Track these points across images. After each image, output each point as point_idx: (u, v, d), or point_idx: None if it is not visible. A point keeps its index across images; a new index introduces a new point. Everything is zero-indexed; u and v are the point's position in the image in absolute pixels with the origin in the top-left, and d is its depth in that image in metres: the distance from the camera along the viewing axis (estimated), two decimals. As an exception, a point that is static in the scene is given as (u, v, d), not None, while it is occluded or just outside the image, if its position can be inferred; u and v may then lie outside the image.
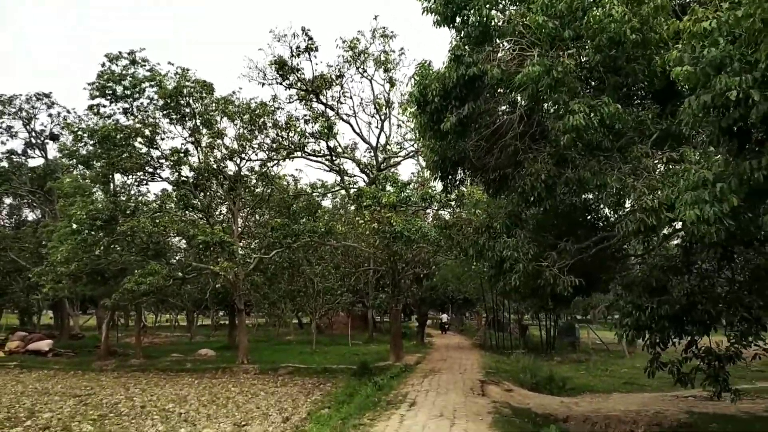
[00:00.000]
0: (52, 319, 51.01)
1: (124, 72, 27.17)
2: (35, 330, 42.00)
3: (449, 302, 55.08)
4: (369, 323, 45.68)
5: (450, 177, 10.62)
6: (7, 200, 46.23)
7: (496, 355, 28.49)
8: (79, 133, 26.50)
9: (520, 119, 8.98)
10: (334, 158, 21.78)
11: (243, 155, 22.38)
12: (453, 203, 19.22)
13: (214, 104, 25.51)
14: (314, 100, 20.63)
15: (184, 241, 25.38)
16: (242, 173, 27.99)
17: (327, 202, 38.79)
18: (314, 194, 26.66)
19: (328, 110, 20.68)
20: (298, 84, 19.92)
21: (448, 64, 8.78)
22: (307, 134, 20.01)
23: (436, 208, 20.69)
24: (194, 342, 40.92)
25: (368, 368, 21.16)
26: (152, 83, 26.62)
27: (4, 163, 36.67)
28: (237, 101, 25.01)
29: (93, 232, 24.03)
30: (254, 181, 28.78)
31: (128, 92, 27.42)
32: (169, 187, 25.15)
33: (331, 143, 21.14)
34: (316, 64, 23.09)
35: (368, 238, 22.76)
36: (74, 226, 23.00)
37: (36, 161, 39.71)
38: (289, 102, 20.59)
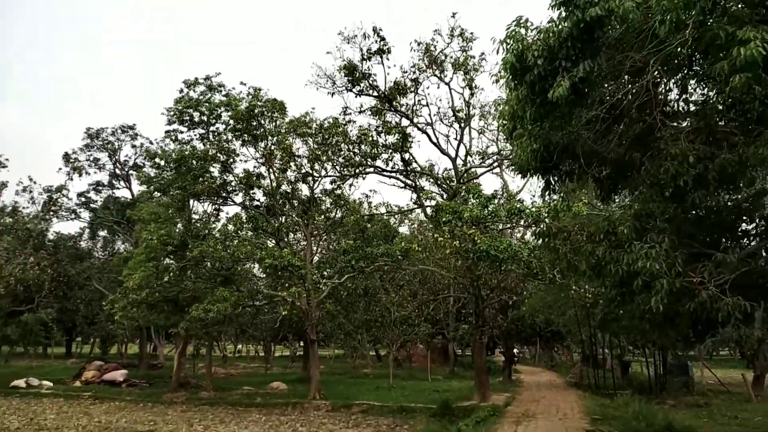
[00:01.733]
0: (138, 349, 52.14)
1: (201, 98, 27.13)
2: (120, 359, 42.73)
3: (537, 335, 51.22)
4: (450, 357, 42.85)
5: (554, 171, 8.36)
6: (102, 233, 48.24)
7: (596, 396, 24.95)
8: (156, 160, 26.47)
9: (654, 86, 6.65)
10: (409, 173, 19.89)
11: (315, 175, 21.00)
12: (547, 218, 16.64)
13: (285, 125, 24.64)
14: (387, 109, 18.97)
15: (256, 266, 24.20)
16: (315, 195, 26.86)
17: (404, 229, 37.03)
18: (390, 218, 24.91)
19: (403, 120, 18.92)
20: (370, 91, 18.35)
21: (554, 13, 6.67)
22: (380, 146, 18.26)
23: (525, 224, 18.19)
24: (269, 374, 39.83)
25: (450, 408, 18.68)
26: (227, 107, 26.27)
27: (92, 194, 37.88)
28: (309, 120, 23.97)
29: (165, 259, 23.52)
30: (328, 204, 27.54)
31: (205, 118, 27.33)
32: (243, 213, 24.25)
33: (406, 156, 19.31)
34: (389, 68, 21.44)
35: (448, 260, 20.57)
36: (146, 252, 22.47)
37: (121, 191, 40.96)
38: (360, 112, 19.09)
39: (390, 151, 19.20)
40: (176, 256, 22.38)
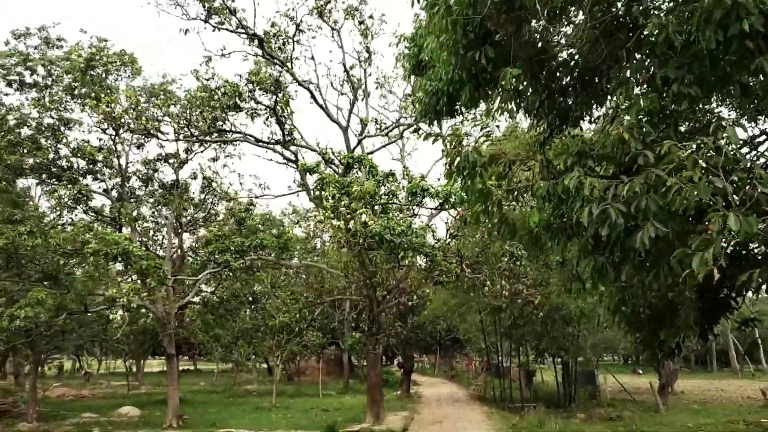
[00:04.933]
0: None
1: (34, 53, 21.49)
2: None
3: (437, 343, 48.78)
4: (345, 369, 39.03)
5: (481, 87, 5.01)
6: None
7: (504, 411, 22.18)
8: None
9: None
10: (289, 143, 15.80)
11: (160, 136, 16.21)
12: (455, 199, 13.29)
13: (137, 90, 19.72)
14: (261, 55, 14.79)
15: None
16: (181, 179, 22.10)
17: (299, 231, 32.72)
18: (282, 219, 20.67)
19: (277, 68, 14.76)
20: (233, 23, 14.04)
21: None
22: (241, 94, 13.89)
23: (432, 208, 14.77)
24: (130, 394, 33.85)
25: (334, 438, 14.87)
26: (65, 62, 20.86)
27: None
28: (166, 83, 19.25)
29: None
30: (196, 189, 22.87)
31: (39, 79, 21.68)
32: (64, 190, 18.74)
33: (285, 119, 15.22)
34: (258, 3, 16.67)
35: (337, 254, 16.82)
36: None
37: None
38: (223, 56, 14.76)
39: (264, 112, 15.01)
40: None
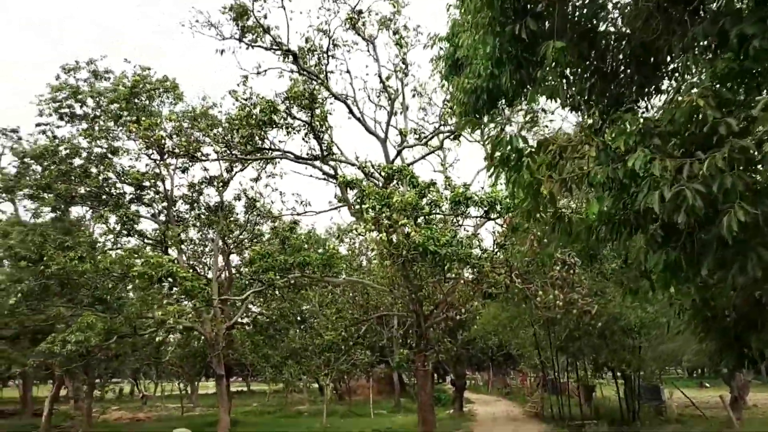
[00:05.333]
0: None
1: (83, 86, 22.28)
2: None
3: (489, 359, 47.31)
4: (396, 387, 38.29)
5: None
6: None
7: (563, 429, 21.04)
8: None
9: None
10: (327, 159, 15.56)
11: (201, 157, 16.25)
12: (501, 204, 12.67)
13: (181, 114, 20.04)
14: (296, 71, 14.67)
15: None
16: (225, 200, 22.30)
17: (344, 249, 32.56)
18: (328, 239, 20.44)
19: (313, 83, 14.60)
20: (267, 40, 13.98)
21: None
22: (278, 110, 13.72)
23: (476, 216, 14.16)
24: (185, 416, 34.14)
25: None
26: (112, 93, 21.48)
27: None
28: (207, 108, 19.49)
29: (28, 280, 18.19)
30: (240, 209, 23.00)
31: (89, 110, 22.44)
32: (110, 214, 19.05)
33: (323, 135, 15.01)
34: (291, 13, 16.34)
35: (383, 270, 16.40)
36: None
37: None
38: (258, 73, 14.71)
39: (302, 128, 14.85)
40: (30, 271, 17.15)
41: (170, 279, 14.63)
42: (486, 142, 4.51)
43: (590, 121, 5.76)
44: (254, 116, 13.60)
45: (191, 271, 18.33)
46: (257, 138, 14.28)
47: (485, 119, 6.93)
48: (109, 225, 18.20)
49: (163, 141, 15.44)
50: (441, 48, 9.00)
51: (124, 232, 18.71)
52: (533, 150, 4.27)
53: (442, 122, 16.08)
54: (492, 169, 4.59)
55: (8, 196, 20.78)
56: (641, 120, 3.85)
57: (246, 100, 15.22)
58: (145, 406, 46.07)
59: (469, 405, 33.53)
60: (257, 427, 27.55)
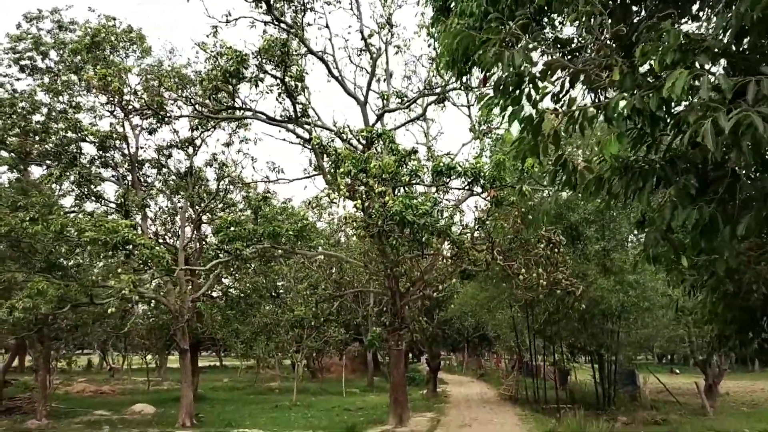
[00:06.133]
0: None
1: (46, 37, 20.78)
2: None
3: (465, 340, 47.04)
4: (370, 366, 37.80)
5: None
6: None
7: (538, 414, 20.58)
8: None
9: None
10: (301, 121, 14.44)
11: (165, 114, 14.95)
12: (487, 174, 11.78)
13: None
14: (270, 21, 13.44)
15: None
16: (195, 165, 21.13)
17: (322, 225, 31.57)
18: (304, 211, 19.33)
19: (292, 41, 13.43)
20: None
21: None
22: (244, 59, 12.49)
23: (460, 187, 13.27)
24: (152, 390, 33.18)
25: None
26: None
27: None
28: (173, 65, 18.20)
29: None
30: (211, 175, 21.86)
31: (52, 64, 20.99)
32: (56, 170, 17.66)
33: (299, 95, 13.89)
34: None
35: (358, 242, 15.50)
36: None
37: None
38: (227, 22, 13.50)
39: (276, 87, 13.70)
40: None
41: (127, 246, 13.53)
42: (477, 63, 3.59)
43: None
44: (220, 67, 12.44)
45: (156, 239, 17.18)
46: (225, 93, 13.13)
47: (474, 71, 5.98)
48: (63, 185, 16.91)
49: (124, 96, 14.16)
50: (428, -8, 7.99)
51: (85, 194, 17.42)
52: (538, 74, 3.36)
53: (427, 87, 15.06)
54: (485, 103, 3.66)
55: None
56: (682, 31, 2.95)
57: (216, 54, 14.02)
58: (112, 379, 44.89)
59: (443, 386, 33.15)
60: (225, 403, 26.70)
